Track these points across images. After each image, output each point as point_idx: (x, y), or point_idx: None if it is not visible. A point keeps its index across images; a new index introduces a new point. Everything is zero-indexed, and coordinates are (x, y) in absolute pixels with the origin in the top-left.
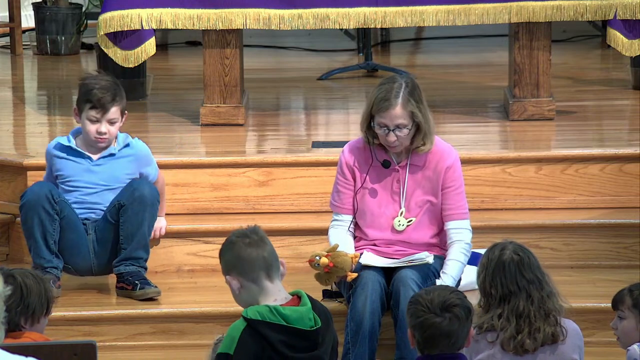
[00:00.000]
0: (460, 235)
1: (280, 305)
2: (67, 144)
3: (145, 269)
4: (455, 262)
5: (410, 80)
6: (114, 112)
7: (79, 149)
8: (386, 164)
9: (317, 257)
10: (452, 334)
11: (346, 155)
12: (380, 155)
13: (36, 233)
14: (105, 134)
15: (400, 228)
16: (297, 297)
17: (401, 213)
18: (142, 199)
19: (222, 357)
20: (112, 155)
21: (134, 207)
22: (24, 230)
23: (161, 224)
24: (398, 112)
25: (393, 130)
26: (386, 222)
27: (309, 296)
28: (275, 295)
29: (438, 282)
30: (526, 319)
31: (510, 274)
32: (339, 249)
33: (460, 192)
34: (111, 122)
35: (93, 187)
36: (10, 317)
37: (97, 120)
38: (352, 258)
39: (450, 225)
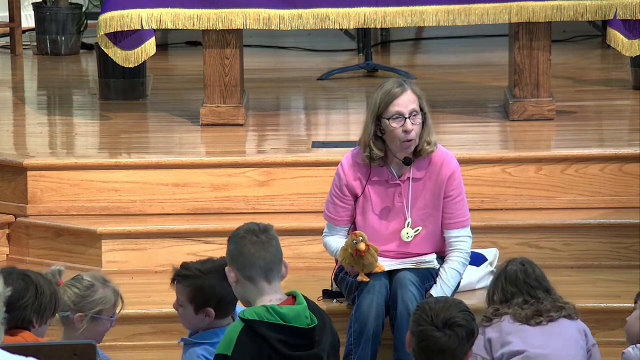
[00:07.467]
0: (461, 244)
1: (277, 304)
2: None
3: None
4: (455, 271)
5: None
6: None
7: None
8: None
9: (361, 238)
10: (447, 351)
11: (345, 171)
12: (381, 173)
13: None
14: None
15: (408, 239)
16: (292, 297)
17: (408, 224)
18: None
19: (220, 359)
20: None
21: None
22: None
23: None
24: (410, 96)
25: (409, 117)
26: (389, 236)
27: (303, 296)
28: (271, 295)
29: (434, 290)
30: (545, 312)
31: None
32: (376, 259)
33: (461, 199)
34: None
35: None
36: (26, 315)
37: None
38: (378, 267)
39: (450, 233)
